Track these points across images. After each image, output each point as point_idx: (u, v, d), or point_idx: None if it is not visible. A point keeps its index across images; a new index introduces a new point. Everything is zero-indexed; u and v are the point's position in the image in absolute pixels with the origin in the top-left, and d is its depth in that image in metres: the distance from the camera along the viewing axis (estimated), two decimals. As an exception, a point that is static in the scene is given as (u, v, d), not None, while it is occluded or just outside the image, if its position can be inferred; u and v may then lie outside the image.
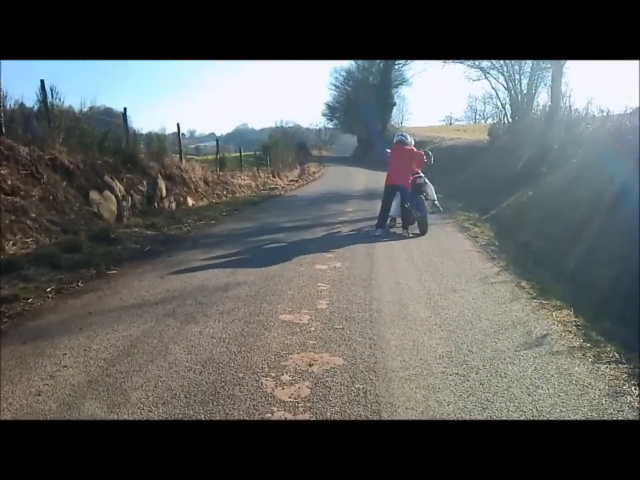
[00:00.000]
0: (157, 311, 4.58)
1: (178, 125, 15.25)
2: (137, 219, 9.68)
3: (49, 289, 5.14)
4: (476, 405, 2.92)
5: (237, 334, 4.03)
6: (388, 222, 9.15)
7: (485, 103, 43.40)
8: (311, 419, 2.77)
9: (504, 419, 2.78)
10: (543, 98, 16.86)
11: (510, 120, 17.18)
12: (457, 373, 3.34)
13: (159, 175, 11.70)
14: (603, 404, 2.95)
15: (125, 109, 12.22)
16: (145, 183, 10.92)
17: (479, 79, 20.27)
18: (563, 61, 12.88)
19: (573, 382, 3.23)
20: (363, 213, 11.43)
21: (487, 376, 3.30)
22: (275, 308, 4.64)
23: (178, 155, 14.48)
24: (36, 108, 9.70)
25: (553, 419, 2.75)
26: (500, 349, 3.76)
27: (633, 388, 3.15)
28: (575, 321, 4.33)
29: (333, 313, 4.52)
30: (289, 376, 3.31)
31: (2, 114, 8.08)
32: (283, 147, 33.12)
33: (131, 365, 3.47)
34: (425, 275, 5.84)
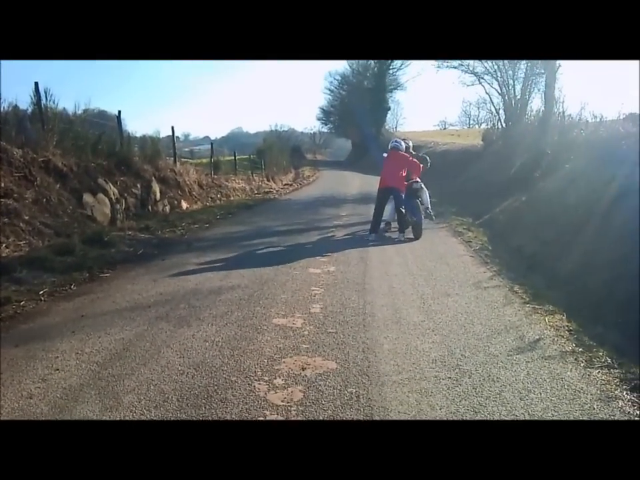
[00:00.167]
0: (149, 314, 4.57)
1: (172, 128, 15.30)
2: (131, 222, 9.64)
3: (41, 292, 5.12)
4: (468, 409, 2.93)
5: (230, 337, 4.02)
6: (383, 226, 9.17)
7: (478, 108, 43.38)
8: (303, 419, 2.77)
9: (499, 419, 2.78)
10: (536, 103, 16.94)
11: (504, 125, 17.24)
12: (450, 377, 3.34)
13: (153, 178, 11.67)
14: (594, 408, 2.96)
15: (119, 111, 12.19)
16: (138, 186, 10.88)
17: (472, 84, 20.27)
18: (556, 67, 12.96)
19: (565, 386, 3.24)
20: (357, 217, 11.44)
21: (479, 380, 3.30)
22: (268, 312, 4.64)
23: (172, 158, 14.44)
24: (30, 110, 9.67)
25: (552, 419, 2.75)
26: (493, 353, 3.76)
27: (625, 393, 3.16)
28: (567, 326, 4.34)
29: (326, 316, 4.52)
30: (282, 380, 3.31)
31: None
32: (277, 151, 33.12)
33: (123, 368, 3.46)
34: (418, 279, 5.85)
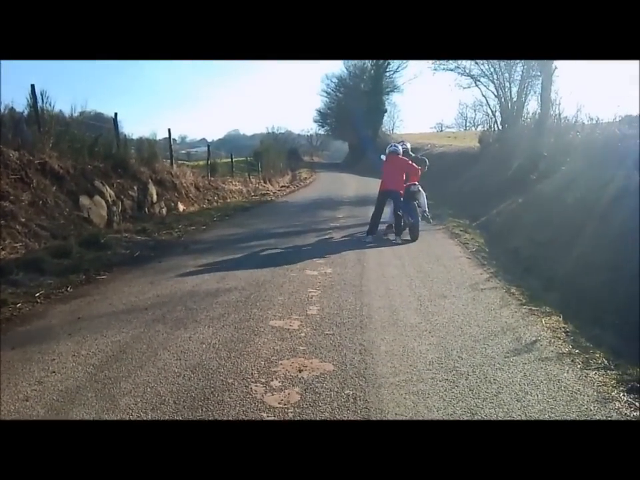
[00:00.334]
0: (146, 316, 4.57)
1: (169, 130, 15.23)
2: (127, 224, 9.63)
3: (37, 294, 5.12)
4: (465, 411, 2.93)
5: (227, 340, 4.02)
6: (384, 228, 9.15)
7: (475, 110, 43.74)
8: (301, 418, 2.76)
9: (500, 418, 2.78)
10: (532, 106, 16.95)
11: (500, 127, 17.25)
12: (447, 379, 3.34)
13: (150, 180, 11.66)
14: (591, 410, 2.97)
15: (116, 114, 12.19)
16: (135, 188, 10.87)
17: (469, 87, 20.27)
18: (552, 69, 12.99)
19: (562, 388, 3.24)
20: (354, 219, 11.43)
21: (476, 382, 3.31)
22: (265, 314, 4.64)
23: (169, 161, 14.43)
24: (26, 112, 9.64)
25: (551, 419, 2.75)
26: (489, 355, 3.77)
27: (622, 394, 3.17)
28: (564, 328, 4.35)
29: (323, 318, 4.52)
30: (279, 382, 3.30)
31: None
32: (274, 153, 33.11)
33: (119, 371, 3.45)
34: (415, 281, 5.85)
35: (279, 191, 23.00)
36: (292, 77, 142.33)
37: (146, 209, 11.13)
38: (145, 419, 2.84)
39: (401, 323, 4.42)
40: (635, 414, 2.92)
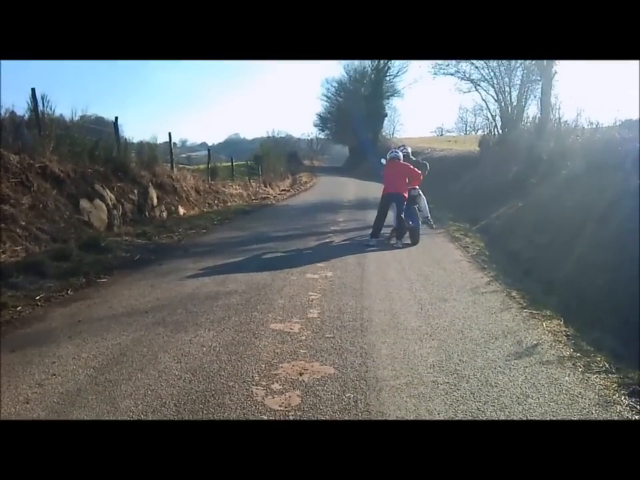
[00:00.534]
0: (146, 319, 4.56)
1: (169, 134, 15.25)
2: (128, 227, 9.62)
3: (37, 297, 5.11)
4: (466, 414, 2.92)
5: (228, 343, 4.01)
6: (389, 232, 9.13)
7: (475, 115, 43.79)
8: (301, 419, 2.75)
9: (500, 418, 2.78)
10: (532, 110, 17.03)
11: (500, 131, 17.28)
12: (448, 382, 3.34)
13: (150, 184, 11.66)
14: (592, 413, 2.96)
15: (116, 117, 12.19)
16: (135, 191, 10.87)
17: (469, 91, 20.33)
18: (552, 73, 13.03)
19: (563, 391, 3.24)
20: (355, 223, 11.46)
21: (477, 385, 3.30)
22: (265, 317, 4.63)
23: (169, 164, 14.44)
24: (27, 116, 9.64)
25: (551, 419, 2.74)
26: (490, 358, 3.76)
27: (623, 397, 3.16)
28: (565, 331, 4.34)
29: (324, 322, 4.51)
30: (280, 385, 3.30)
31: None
32: (274, 157, 33.10)
33: (120, 374, 3.45)
34: (415, 285, 5.85)
35: (279, 194, 22.99)
36: (292, 81, 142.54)
37: (146, 213, 11.13)
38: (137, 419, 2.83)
39: (402, 326, 4.41)
40: (636, 417, 2.92)
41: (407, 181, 8.86)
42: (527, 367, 3.62)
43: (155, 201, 11.70)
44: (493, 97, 18.13)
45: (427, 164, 10.05)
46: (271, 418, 2.87)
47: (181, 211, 12.82)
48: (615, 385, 3.34)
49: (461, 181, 16.09)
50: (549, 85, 13.15)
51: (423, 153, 24.97)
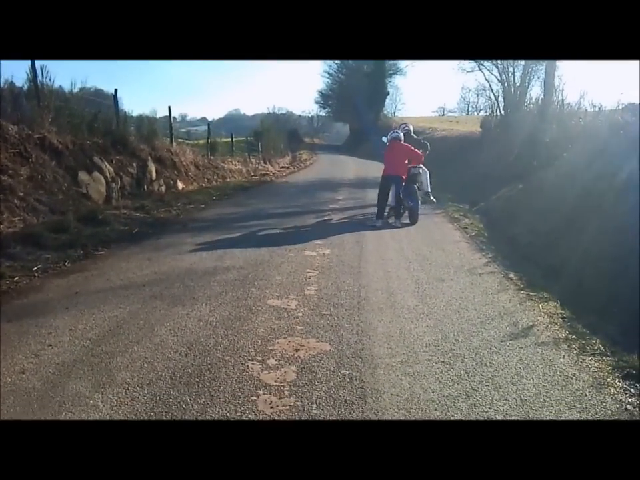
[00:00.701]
0: (143, 292, 4.56)
1: (169, 107, 15.11)
2: (126, 201, 9.58)
3: (35, 268, 5.11)
4: (460, 393, 2.94)
5: (224, 317, 4.02)
6: (387, 212, 9.10)
7: (478, 95, 43.24)
8: (295, 417, 2.74)
9: (496, 416, 2.78)
10: (535, 91, 16.91)
11: (502, 112, 17.13)
12: (443, 361, 3.35)
13: (149, 158, 11.58)
14: (586, 395, 2.98)
15: (116, 90, 12.04)
16: (134, 165, 10.79)
17: (472, 70, 20.20)
18: (557, 56, 12.84)
19: (558, 373, 3.25)
20: (354, 201, 11.44)
21: (472, 365, 3.32)
22: (262, 293, 4.63)
23: (169, 138, 14.34)
24: (26, 87, 9.55)
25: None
26: (486, 338, 3.77)
27: (617, 380, 3.18)
28: (561, 313, 4.35)
29: (321, 299, 4.52)
30: (275, 360, 3.31)
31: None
32: (274, 134, 32.93)
33: (116, 346, 3.46)
34: (413, 264, 5.85)
35: (278, 171, 22.89)
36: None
37: (145, 187, 11.08)
38: (141, 393, 2.85)
39: (399, 305, 4.42)
40: (630, 400, 2.94)
41: (407, 162, 8.81)
42: (522, 347, 3.64)
43: (154, 174, 11.63)
44: (496, 77, 17.99)
45: (428, 144, 9.98)
46: (266, 393, 2.89)
47: (180, 185, 12.77)
48: (610, 367, 3.36)
49: (461, 161, 16.04)
50: (553, 66, 12.99)
51: (424, 132, 24.81)
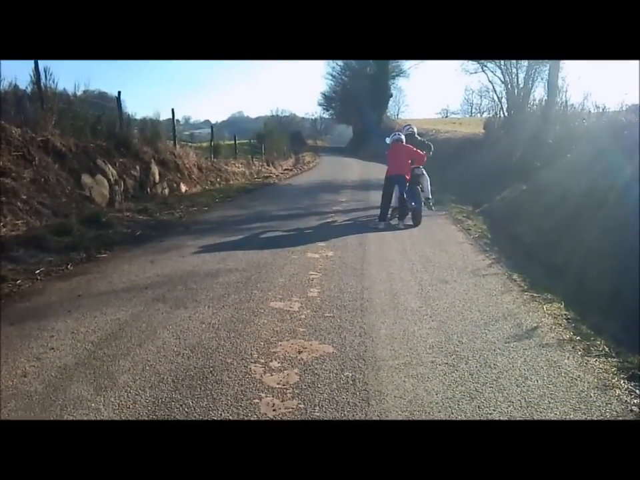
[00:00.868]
0: (146, 295, 4.56)
1: (172, 110, 15.15)
2: (129, 203, 9.60)
3: (37, 271, 5.11)
4: (464, 395, 2.92)
5: (227, 320, 4.01)
6: (390, 213, 9.06)
7: (481, 97, 43.27)
8: (297, 419, 2.72)
9: (500, 418, 2.77)
10: (539, 92, 16.81)
11: (506, 114, 17.11)
12: (447, 363, 3.33)
13: (152, 160, 11.59)
14: (591, 396, 2.96)
15: (119, 92, 12.05)
16: (137, 167, 10.80)
17: (475, 72, 20.21)
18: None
19: (562, 374, 3.23)
20: (357, 203, 11.41)
21: (476, 366, 3.30)
22: (265, 295, 4.62)
23: (172, 141, 14.35)
24: (29, 89, 9.58)
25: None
26: (490, 340, 3.75)
27: (622, 381, 3.15)
28: (565, 314, 4.33)
29: (323, 301, 4.50)
30: (278, 362, 3.30)
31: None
32: (277, 136, 32.90)
33: (118, 349, 3.45)
34: (416, 266, 5.83)
35: (281, 173, 22.91)
36: (297, 60, 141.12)
37: (148, 189, 11.09)
38: (143, 396, 2.84)
39: (402, 306, 4.40)
40: (635, 401, 2.91)
41: (410, 162, 8.80)
42: (526, 349, 3.61)
43: (157, 177, 11.65)
44: (499, 79, 17.96)
45: (431, 145, 9.96)
46: (269, 395, 2.88)
47: (183, 188, 12.78)
48: (615, 368, 3.33)
49: (464, 163, 15.98)
50: (557, 67, 12.95)
51: (428, 134, 24.71)
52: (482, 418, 2.70)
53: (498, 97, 18.35)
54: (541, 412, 2.76)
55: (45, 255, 5.65)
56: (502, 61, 17.27)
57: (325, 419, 2.66)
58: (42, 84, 9.25)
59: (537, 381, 3.12)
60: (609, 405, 2.87)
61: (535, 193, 9.12)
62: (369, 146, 35.62)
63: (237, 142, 23.41)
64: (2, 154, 7.20)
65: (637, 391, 3.03)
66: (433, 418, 2.68)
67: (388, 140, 9.27)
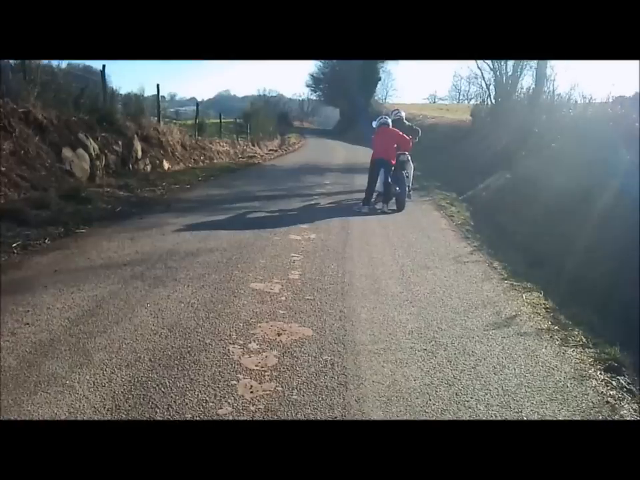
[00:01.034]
0: (124, 272, 4.49)
1: (157, 85, 14.87)
2: (110, 179, 9.45)
3: (14, 245, 5.01)
4: (442, 382, 2.92)
5: (206, 300, 3.97)
6: (374, 197, 9.04)
7: (469, 83, 43.25)
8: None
9: (477, 405, 2.77)
10: (527, 81, 16.82)
11: (493, 101, 17.13)
12: (425, 349, 3.33)
13: (135, 136, 11.40)
14: (567, 386, 2.98)
15: (104, 66, 11.72)
16: (120, 143, 10.61)
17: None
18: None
19: (539, 363, 3.25)
20: (341, 186, 11.37)
21: (454, 353, 3.30)
22: (246, 276, 4.59)
23: (156, 117, 14.15)
24: (12, 61, 9.36)
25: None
26: (469, 327, 3.76)
27: (598, 372, 3.18)
28: (544, 304, 4.35)
29: (304, 283, 4.48)
30: (257, 344, 3.27)
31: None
32: (264, 116, 32.58)
33: (95, 326, 3.40)
34: (399, 251, 5.82)
35: (266, 154, 22.74)
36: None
37: (130, 165, 10.92)
38: (119, 374, 2.80)
39: (383, 291, 4.40)
40: (611, 393, 2.94)
41: (396, 147, 8.77)
42: (504, 337, 3.63)
43: (140, 153, 11.47)
44: (488, 65, 17.88)
45: (419, 130, 9.95)
46: (246, 377, 2.86)
47: (166, 165, 12.62)
48: (591, 359, 3.36)
49: (450, 149, 16.01)
50: (546, 56, 12.97)
51: (415, 119, 24.71)
52: (460, 405, 2.70)
53: (486, 84, 18.35)
54: (517, 401, 2.78)
55: (22, 229, 5.54)
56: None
57: (304, 404, 2.64)
58: (24, 55, 9.04)
59: (515, 369, 3.14)
60: (585, 396, 2.89)
61: (519, 182, 9.15)
62: (355, 129, 35.55)
63: (223, 121, 23.20)
64: (-20, 124, 7.04)
65: (613, 383, 3.06)
66: (411, 405, 2.68)
67: (374, 123, 9.22)
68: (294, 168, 16.09)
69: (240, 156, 19.54)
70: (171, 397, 2.62)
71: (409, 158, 9.10)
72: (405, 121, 9.81)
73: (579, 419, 2.70)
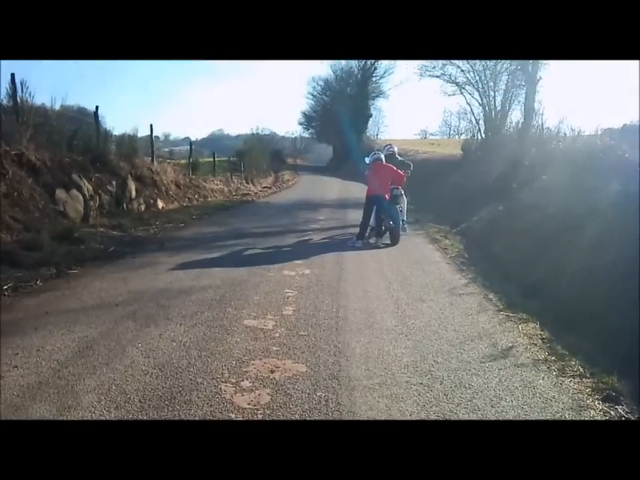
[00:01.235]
0: (116, 312, 4.44)
1: (151, 126, 15.03)
2: (104, 219, 9.46)
3: (5, 287, 4.96)
4: (439, 416, 2.87)
5: (199, 338, 3.92)
6: (368, 231, 9.04)
7: (459, 119, 44.07)
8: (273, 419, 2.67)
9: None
10: (516, 115, 17.12)
11: (483, 136, 17.40)
12: (421, 383, 3.28)
13: (129, 176, 11.47)
14: (566, 417, 2.92)
15: (97, 107, 11.87)
16: (114, 183, 10.67)
17: (454, 94, 20.44)
18: (537, 79, 13.08)
19: (537, 395, 3.20)
20: (335, 222, 11.41)
21: (451, 387, 3.25)
22: (239, 313, 4.54)
23: (150, 157, 14.24)
24: (5, 102, 9.45)
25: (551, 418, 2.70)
26: (465, 359, 3.72)
27: (597, 402, 3.14)
28: (540, 334, 4.32)
29: (298, 319, 4.44)
30: (250, 382, 3.22)
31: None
32: (257, 154, 32.90)
33: (84, 367, 3.34)
34: (393, 284, 5.80)
35: (260, 191, 22.87)
36: (278, 78, 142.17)
37: (124, 205, 10.96)
38: (108, 417, 2.73)
39: (377, 325, 4.35)
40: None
41: (390, 182, 8.81)
42: (501, 369, 3.58)
43: (134, 193, 11.52)
44: (477, 101, 18.26)
45: (411, 164, 10.04)
46: (239, 416, 2.80)
47: (160, 204, 12.66)
48: (589, 389, 3.32)
49: (442, 183, 16.13)
50: (533, 90, 13.24)
51: (407, 155, 24.98)
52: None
53: (476, 119, 18.68)
54: (515, 433, 2.72)
55: (14, 270, 5.50)
56: (480, 84, 17.58)
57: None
58: (18, 97, 9.15)
59: (512, 401, 3.09)
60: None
61: (511, 214, 9.21)
62: (348, 165, 35.79)
63: (217, 159, 23.39)
64: (-26, 167, 7.06)
65: (612, 412, 3.01)
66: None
67: (367, 159, 9.29)
68: (288, 204, 16.15)
69: (234, 194, 19.63)
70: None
71: (402, 192, 9.17)
72: (397, 156, 9.90)
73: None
